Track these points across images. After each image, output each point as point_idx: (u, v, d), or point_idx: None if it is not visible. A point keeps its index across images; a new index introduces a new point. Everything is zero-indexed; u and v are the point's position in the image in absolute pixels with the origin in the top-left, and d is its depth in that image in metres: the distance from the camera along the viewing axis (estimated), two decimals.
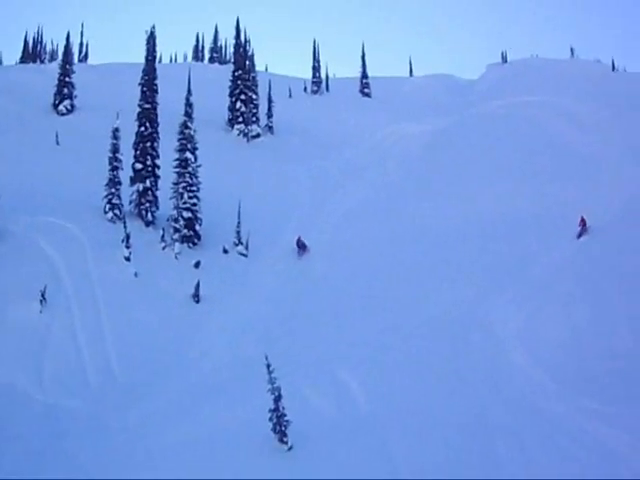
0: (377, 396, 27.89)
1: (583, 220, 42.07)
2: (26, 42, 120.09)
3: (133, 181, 49.94)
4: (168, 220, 48.19)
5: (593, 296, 33.77)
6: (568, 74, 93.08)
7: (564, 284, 36.08)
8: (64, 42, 79.24)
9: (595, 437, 21.97)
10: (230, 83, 79.37)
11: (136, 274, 41.75)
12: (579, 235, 41.65)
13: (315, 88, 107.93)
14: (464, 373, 29.35)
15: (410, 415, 25.49)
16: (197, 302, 41.01)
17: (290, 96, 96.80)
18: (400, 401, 27.08)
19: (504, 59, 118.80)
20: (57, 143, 61.37)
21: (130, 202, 49.18)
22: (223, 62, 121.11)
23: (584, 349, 29.50)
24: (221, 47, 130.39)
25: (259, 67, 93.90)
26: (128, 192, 49.29)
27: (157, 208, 49.60)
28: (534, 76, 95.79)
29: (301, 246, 49.58)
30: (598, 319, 31.72)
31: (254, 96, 79.00)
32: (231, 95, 78.44)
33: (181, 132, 50.15)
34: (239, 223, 48.59)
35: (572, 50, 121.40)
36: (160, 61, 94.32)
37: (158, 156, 51.38)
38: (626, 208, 44.02)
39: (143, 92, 53.64)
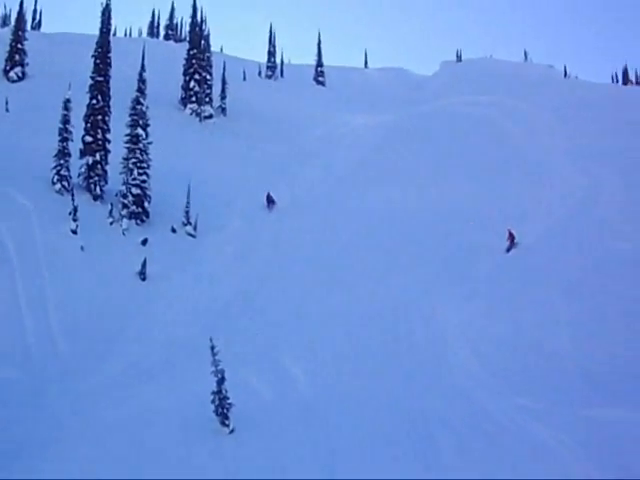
0: (319, 383, 28.07)
1: (511, 235, 41.94)
2: None
3: (83, 154, 49.36)
4: (117, 195, 47.77)
5: (538, 297, 34.26)
6: (521, 77, 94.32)
7: (510, 283, 36.55)
8: (17, 8, 78.20)
9: (527, 431, 22.45)
10: (184, 62, 78.85)
11: (82, 248, 41.32)
12: (508, 249, 41.59)
13: (270, 73, 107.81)
14: (406, 364, 29.65)
15: (351, 402, 25.67)
16: (143, 280, 40.71)
17: (244, 79, 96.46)
18: (341, 389, 27.27)
19: (459, 57, 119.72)
20: (7, 110, 60.55)
21: (79, 175, 48.63)
22: (178, 40, 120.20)
23: (525, 348, 29.99)
24: (177, 25, 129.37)
25: (214, 48, 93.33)
26: (77, 165, 48.73)
27: (106, 183, 49.12)
28: (487, 76, 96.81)
29: (270, 201, 54.40)
30: (540, 320, 32.23)
31: (208, 76, 78.63)
32: (185, 74, 77.98)
33: (133, 108, 49.70)
34: (188, 203, 48.29)
35: (526, 53, 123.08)
36: (115, 34, 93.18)
37: (109, 130, 50.86)
38: (567, 214, 44.79)
39: (96, 64, 52.94)
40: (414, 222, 47.79)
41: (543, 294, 34.55)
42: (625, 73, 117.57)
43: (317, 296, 38.89)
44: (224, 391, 23.70)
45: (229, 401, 23.74)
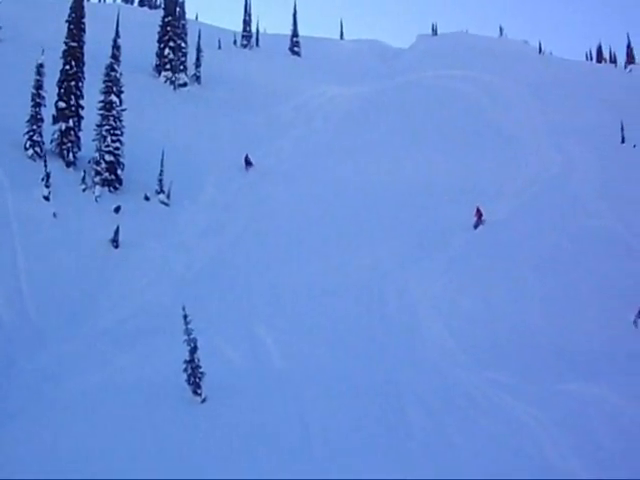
0: (292, 353, 28.06)
1: (479, 211, 41.91)
2: None
3: (56, 120, 48.88)
4: (90, 162, 47.42)
5: (510, 273, 34.44)
6: (496, 52, 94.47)
7: (483, 259, 36.71)
8: None
9: (500, 407, 22.44)
10: (159, 29, 78.25)
11: (55, 214, 40.98)
12: (475, 226, 41.60)
13: (245, 42, 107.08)
14: (379, 338, 29.78)
15: (324, 374, 25.66)
16: (116, 247, 40.44)
17: (219, 48, 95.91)
18: (314, 360, 27.28)
19: (434, 31, 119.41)
20: None
21: (52, 141, 48.19)
22: (153, 7, 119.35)
23: (496, 323, 30.21)
24: None
25: (189, 15, 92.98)
26: (50, 130, 48.29)
27: (79, 149, 48.70)
28: (463, 51, 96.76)
29: (248, 162, 56.64)
30: (512, 296, 32.44)
31: (183, 44, 78.15)
32: (160, 41, 77.40)
33: (107, 74, 49.26)
34: (162, 171, 48.04)
35: (501, 29, 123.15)
36: (89, 0, 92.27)
37: (82, 96, 50.36)
38: (541, 190, 44.98)
39: (70, 30, 52.26)
40: (388, 194, 47.94)
41: (515, 270, 34.77)
42: (599, 51, 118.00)
43: (291, 266, 38.97)
44: (196, 360, 23.53)
45: (201, 370, 23.61)
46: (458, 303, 32.46)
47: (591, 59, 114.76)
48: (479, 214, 41.63)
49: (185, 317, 23.29)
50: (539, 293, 32.38)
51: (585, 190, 44.31)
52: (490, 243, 38.51)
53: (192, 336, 23.25)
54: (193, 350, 23.38)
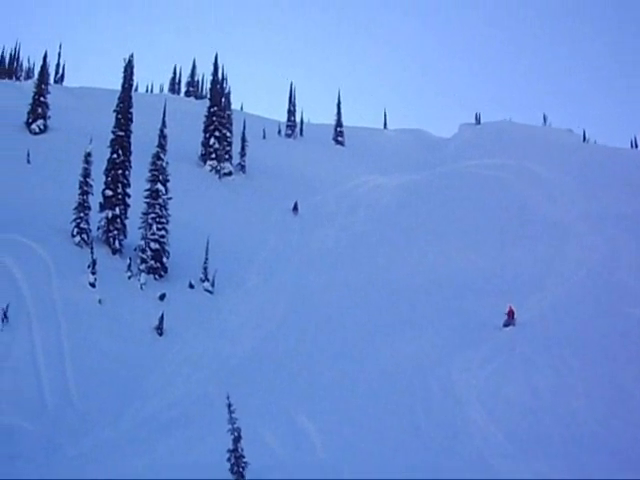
0: (334, 443, 27.75)
1: (511, 310, 41.19)
2: (2, 57, 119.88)
3: (102, 207, 49.60)
4: (135, 250, 47.94)
5: (553, 361, 33.97)
6: (540, 141, 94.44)
7: (524, 347, 36.27)
8: (41, 61, 78.94)
9: None
10: (205, 119, 79.53)
11: (100, 301, 41.39)
12: (505, 325, 40.83)
13: (289, 131, 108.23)
14: (422, 428, 29.36)
15: (367, 463, 25.38)
16: (160, 334, 40.68)
17: (264, 137, 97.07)
18: (357, 450, 26.96)
19: (477, 120, 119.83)
20: (28, 162, 60.99)
21: (98, 228, 48.84)
22: (199, 97, 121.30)
23: (542, 412, 29.65)
24: (198, 82, 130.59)
25: (235, 105, 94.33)
26: (97, 218, 48.96)
27: (125, 236, 49.30)
28: (506, 140, 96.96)
29: (295, 208, 64.96)
30: (556, 383, 31.92)
31: (228, 134, 79.28)
32: (205, 131, 78.59)
33: (153, 163, 50.07)
34: (207, 259, 48.42)
35: (545, 117, 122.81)
36: (136, 90, 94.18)
37: (129, 184, 51.14)
38: (585, 278, 44.61)
39: (118, 119, 53.38)
40: (430, 284, 47.72)
41: (559, 358, 34.28)
42: None
43: (332, 356, 38.72)
44: (240, 449, 23.38)
45: (245, 460, 23.42)
46: (502, 391, 31.99)
47: (636, 146, 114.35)
48: (511, 312, 40.97)
49: (229, 406, 23.19)
50: (583, 381, 31.86)
51: (630, 278, 43.86)
52: (534, 333, 38.08)
53: (236, 425, 23.13)
54: (237, 439, 23.22)
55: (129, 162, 52.07)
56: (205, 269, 48.36)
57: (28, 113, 73.27)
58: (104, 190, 50.23)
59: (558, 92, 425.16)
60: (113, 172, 51.15)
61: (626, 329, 36.55)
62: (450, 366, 35.40)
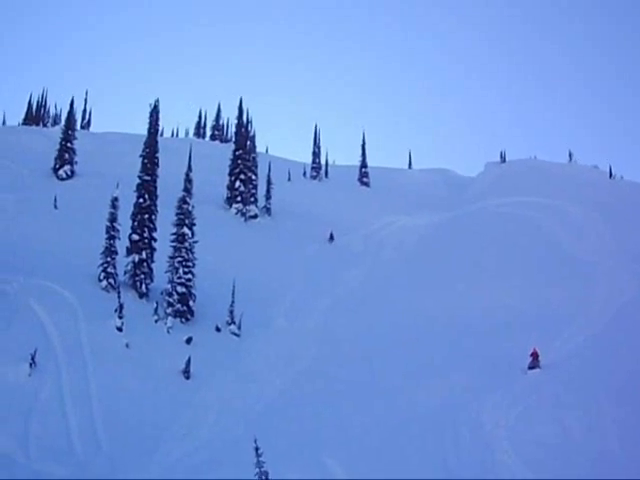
0: None
1: (535, 353, 40.67)
2: (30, 104, 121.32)
3: (129, 252, 49.87)
4: (162, 293, 48.11)
5: (583, 400, 33.64)
6: (566, 178, 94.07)
7: (553, 387, 35.96)
8: (68, 107, 79.66)
9: None
10: (230, 162, 79.99)
11: (127, 345, 41.51)
12: (530, 367, 40.30)
13: (314, 173, 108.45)
14: (451, 470, 29.15)
15: None
16: (187, 378, 40.68)
17: (289, 179, 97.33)
18: None
19: (503, 158, 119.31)
20: (55, 207, 61.49)
21: (125, 272, 49.07)
22: (224, 140, 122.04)
23: (573, 453, 29.32)
24: (223, 125, 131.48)
25: (260, 148, 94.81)
26: (124, 262, 49.23)
27: (152, 280, 49.49)
28: (532, 177, 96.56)
29: (332, 237, 70.00)
30: (587, 423, 31.58)
31: (253, 176, 79.63)
32: (231, 174, 78.97)
33: (179, 207, 50.37)
34: (233, 302, 48.48)
35: (570, 154, 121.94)
36: (162, 134, 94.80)
37: (155, 229, 51.43)
38: (616, 316, 44.26)
39: (144, 164, 53.82)
40: (458, 327, 47.48)
41: (589, 397, 33.94)
42: None
43: (360, 398, 38.56)
44: None
45: None
46: (532, 432, 31.70)
47: None
48: (535, 355, 40.54)
49: (256, 449, 23.10)
50: (614, 420, 31.50)
51: None
52: (562, 374, 37.74)
53: (263, 469, 23.03)
54: None
55: (155, 206, 52.37)
56: (231, 312, 48.40)
57: (55, 159, 74.03)
58: (131, 234, 50.53)
59: (583, 128, 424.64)
60: (140, 216, 51.47)
61: None
62: (479, 407, 35.13)
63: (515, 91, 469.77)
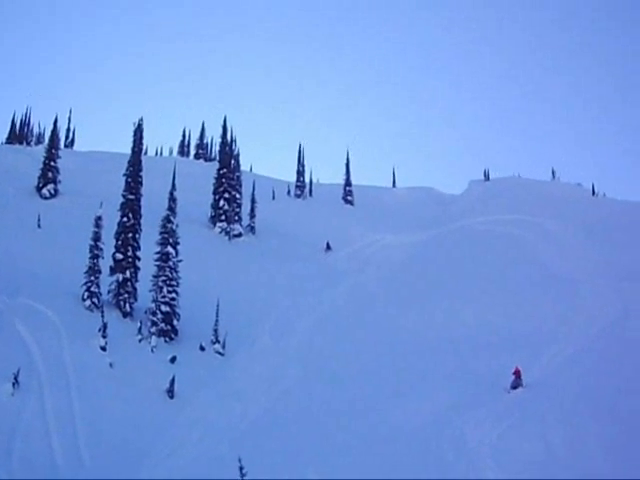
0: None
1: (518, 371, 40.66)
2: (13, 123, 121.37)
3: (113, 271, 49.89)
4: (146, 313, 48.11)
5: (568, 418, 33.69)
6: (549, 195, 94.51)
7: (537, 405, 36.00)
8: (51, 126, 79.74)
9: None
10: (214, 181, 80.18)
11: (111, 364, 41.48)
12: (513, 387, 40.31)
13: (299, 192, 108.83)
14: None
15: None
16: (171, 397, 40.67)
17: (273, 198, 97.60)
18: None
19: (486, 176, 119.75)
20: (39, 226, 61.43)
21: (109, 292, 49.07)
22: (208, 159, 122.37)
23: (557, 470, 29.35)
24: (207, 144, 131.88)
25: (244, 167, 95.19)
26: (107, 281, 49.17)
27: (135, 300, 49.52)
28: (516, 195, 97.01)
29: (329, 247, 68.18)
30: (571, 440, 31.63)
31: (237, 195, 79.91)
32: (215, 193, 79.20)
33: (163, 226, 50.49)
34: (217, 321, 48.46)
35: (553, 172, 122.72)
36: (146, 153, 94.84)
37: (139, 248, 51.46)
38: (599, 334, 44.30)
39: (127, 183, 53.94)
40: (441, 345, 47.48)
41: (573, 414, 33.99)
42: None
43: (343, 416, 38.51)
44: None
45: None
46: (515, 448, 31.73)
47: None
48: (517, 373, 40.50)
49: (241, 469, 23.06)
50: (599, 438, 31.54)
51: None
52: (546, 391, 37.78)
53: None
54: None
55: (139, 225, 52.47)
56: (216, 331, 48.45)
57: (39, 178, 74.13)
58: (114, 253, 50.59)
59: (566, 146, 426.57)
60: (123, 235, 51.57)
61: None
62: (463, 424, 35.15)
63: (499, 109, 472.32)
